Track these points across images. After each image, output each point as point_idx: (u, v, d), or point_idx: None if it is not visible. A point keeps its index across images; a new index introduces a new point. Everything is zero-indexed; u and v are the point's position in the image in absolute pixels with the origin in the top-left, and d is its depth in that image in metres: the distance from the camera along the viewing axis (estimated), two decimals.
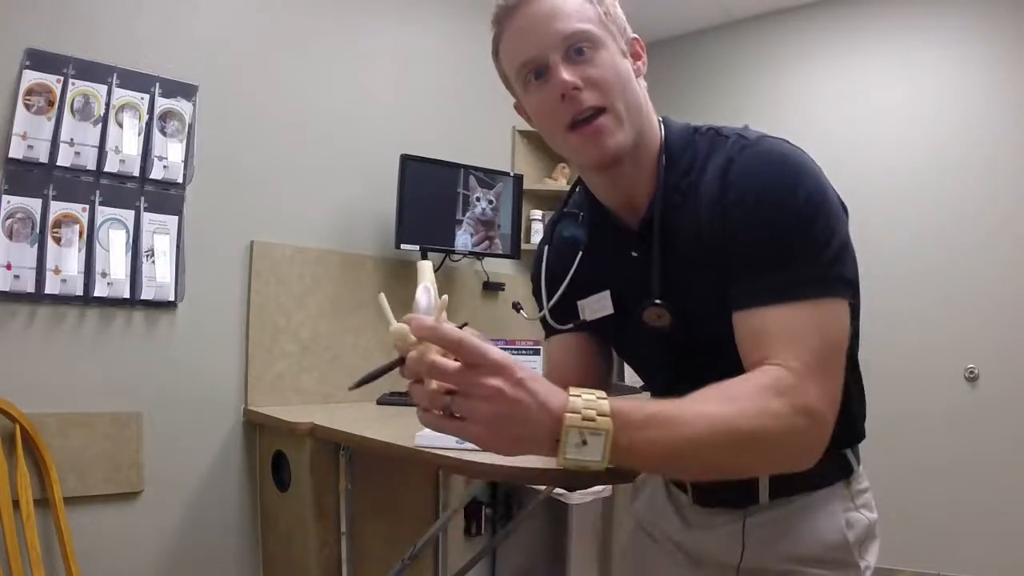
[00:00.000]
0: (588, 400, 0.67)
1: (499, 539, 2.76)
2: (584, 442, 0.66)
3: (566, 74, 0.84)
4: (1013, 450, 3.02)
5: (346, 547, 2.16)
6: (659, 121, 0.95)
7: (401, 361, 0.67)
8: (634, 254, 0.94)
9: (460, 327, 0.67)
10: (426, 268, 0.79)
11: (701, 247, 0.86)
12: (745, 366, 0.80)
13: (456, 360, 0.65)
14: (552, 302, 1.01)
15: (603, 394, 0.68)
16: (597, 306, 0.99)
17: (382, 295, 0.70)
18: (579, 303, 1.02)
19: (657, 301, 0.89)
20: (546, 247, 1.07)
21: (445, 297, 0.68)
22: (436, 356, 0.65)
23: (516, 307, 1.19)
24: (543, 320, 1.06)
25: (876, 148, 3.36)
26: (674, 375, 0.94)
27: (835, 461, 0.93)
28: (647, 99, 0.93)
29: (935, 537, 3.13)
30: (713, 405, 0.72)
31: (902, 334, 3.16)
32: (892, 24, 3.42)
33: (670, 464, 0.77)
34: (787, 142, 0.88)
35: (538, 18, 0.86)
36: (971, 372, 3.12)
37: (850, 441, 0.95)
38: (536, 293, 1.06)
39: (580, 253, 0.99)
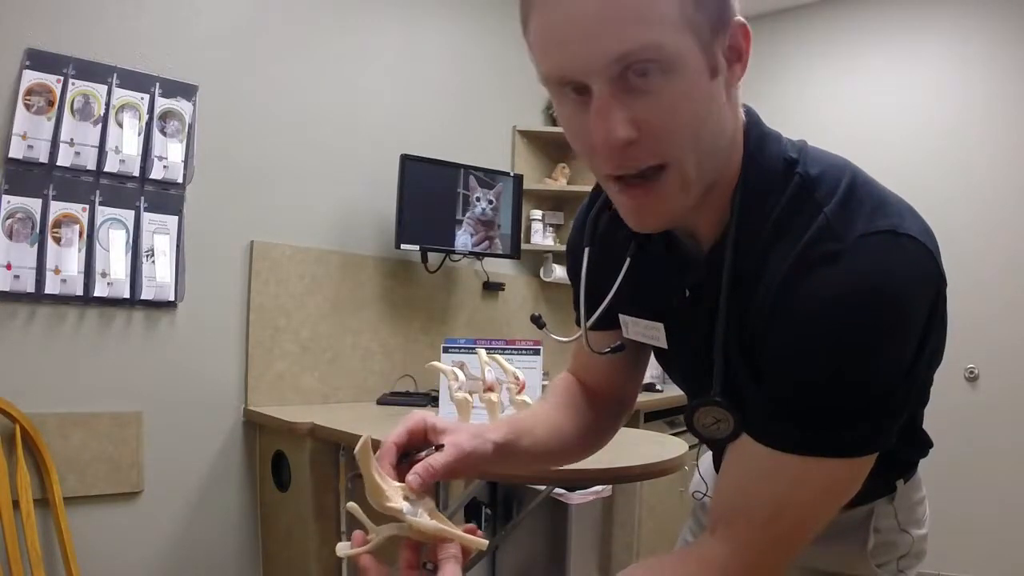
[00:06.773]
0: None
1: (499, 539, 2.75)
2: None
3: (615, 121, 0.60)
4: (1013, 450, 3.02)
5: None
6: (743, 128, 0.71)
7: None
8: (687, 293, 0.76)
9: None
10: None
11: (744, 329, 0.70)
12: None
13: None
14: (591, 321, 0.85)
15: None
16: (646, 332, 0.83)
17: (352, 504, 0.71)
18: (621, 317, 0.86)
19: (717, 399, 0.71)
20: (587, 250, 0.85)
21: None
22: (368, 562, 0.69)
23: (538, 322, 0.99)
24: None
25: (876, 148, 3.36)
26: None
27: (872, 488, 0.84)
28: (736, 115, 0.69)
29: (934, 537, 3.09)
30: None
31: None
32: (892, 24, 3.42)
33: None
34: (900, 244, 0.66)
35: (578, 18, 0.58)
36: (971, 372, 3.12)
37: (899, 473, 0.89)
38: (576, 302, 0.88)
39: (628, 261, 0.80)
